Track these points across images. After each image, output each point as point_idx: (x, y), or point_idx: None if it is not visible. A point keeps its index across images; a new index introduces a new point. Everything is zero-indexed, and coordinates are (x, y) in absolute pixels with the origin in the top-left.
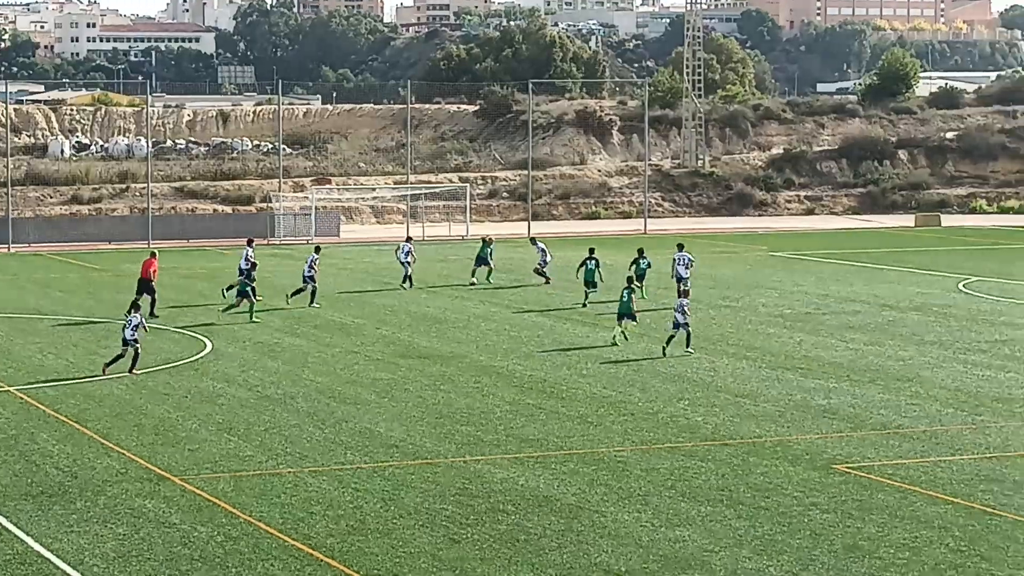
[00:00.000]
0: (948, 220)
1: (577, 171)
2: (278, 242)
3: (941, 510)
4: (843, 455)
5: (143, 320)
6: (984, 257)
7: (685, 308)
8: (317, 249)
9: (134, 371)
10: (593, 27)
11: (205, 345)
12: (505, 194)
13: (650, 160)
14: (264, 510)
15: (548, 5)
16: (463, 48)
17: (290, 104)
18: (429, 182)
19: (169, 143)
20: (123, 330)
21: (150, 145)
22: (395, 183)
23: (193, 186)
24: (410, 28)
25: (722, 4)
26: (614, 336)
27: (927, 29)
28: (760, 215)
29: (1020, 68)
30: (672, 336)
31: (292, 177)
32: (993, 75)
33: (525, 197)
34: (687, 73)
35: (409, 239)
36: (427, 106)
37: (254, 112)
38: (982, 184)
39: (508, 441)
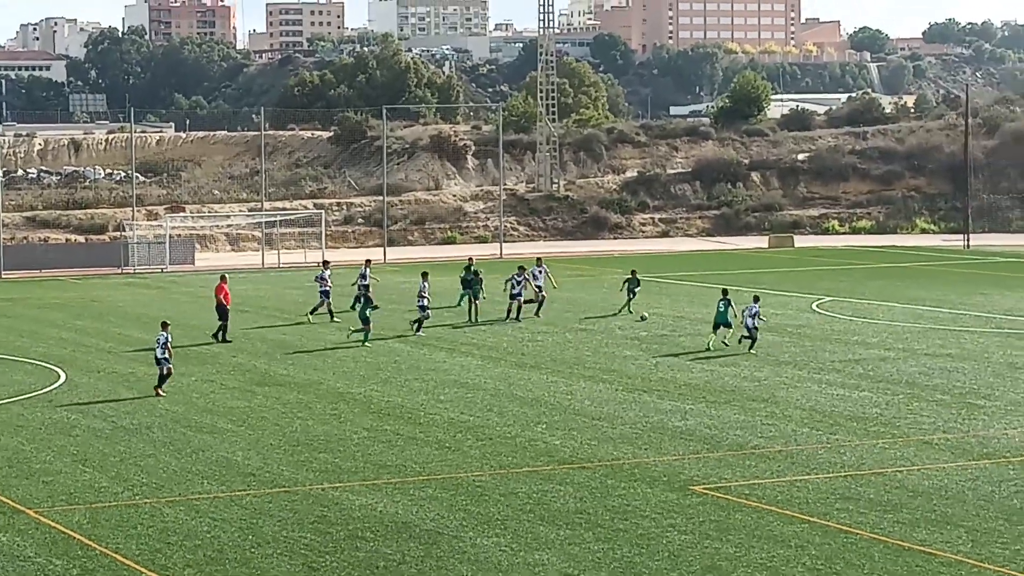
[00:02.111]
0: (801, 241)
1: (432, 196)
2: (132, 271)
3: (798, 529)
4: (700, 476)
5: (169, 339)
6: (837, 277)
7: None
8: (326, 264)
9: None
10: (447, 52)
11: (59, 376)
12: (360, 220)
13: (505, 184)
14: (121, 542)
15: (402, 31)
16: (317, 74)
17: (143, 132)
18: (284, 209)
19: (20, 172)
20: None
21: (1, 175)
22: (249, 210)
23: (45, 215)
24: (263, 55)
25: (575, 28)
26: (709, 343)
27: (778, 52)
28: (615, 238)
29: (870, 90)
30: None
31: (146, 205)
32: (843, 97)
33: (380, 223)
34: (541, 97)
35: (326, 263)
36: (281, 133)
37: (106, 140)
38: (834, 205)
39: (366, 468)
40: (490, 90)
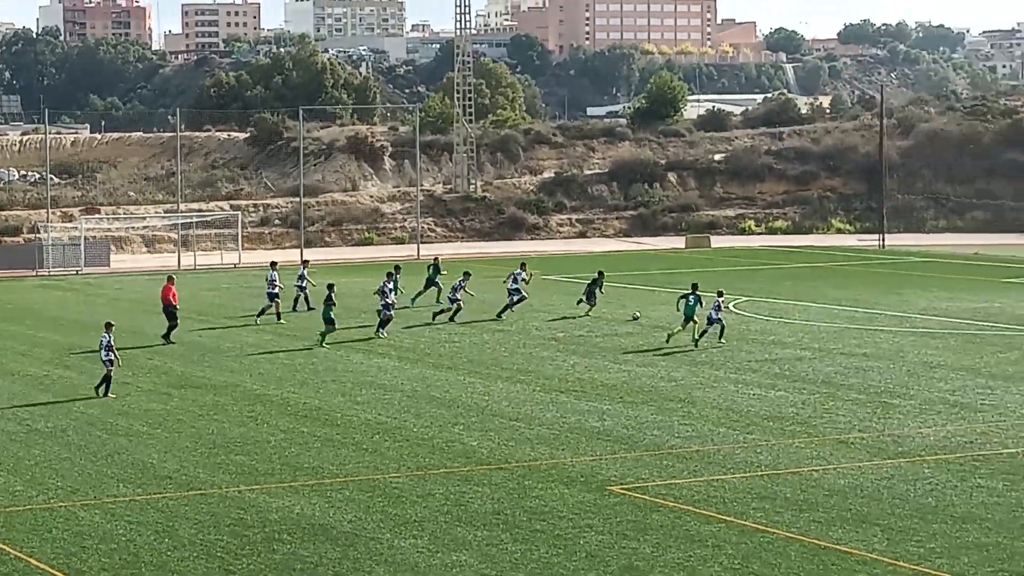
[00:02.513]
0: (718, 241)
1: (349, 197)
2: (47, 273)
3: (715, 529)
4: (617, 476)
5: (112, 341)
6: (753, 277)
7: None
8: (273, 265)
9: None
10: (363, 53)
11: None
12: (277, 221)
13: (422, 185)
14: (35, 545)
15: (318, 32)
16: (233, 75)
17: (58, 133)
18: (200, 210)
19: None
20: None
21: None
22: (165, 212)
23: None
24: (179, 56)
25: (492, 29)
26: (672, 333)
27: (694, 53)
28: (532, 239)
29: (785, 91)
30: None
31: (60, 207)
32: (759, 97)
33: (297, 224)
34: (458, 98)
35: (273, 264)
36: (197, 134)
37: (21, 142)
38: (750, 205)
39: (283, 470)
40: (407, 91)
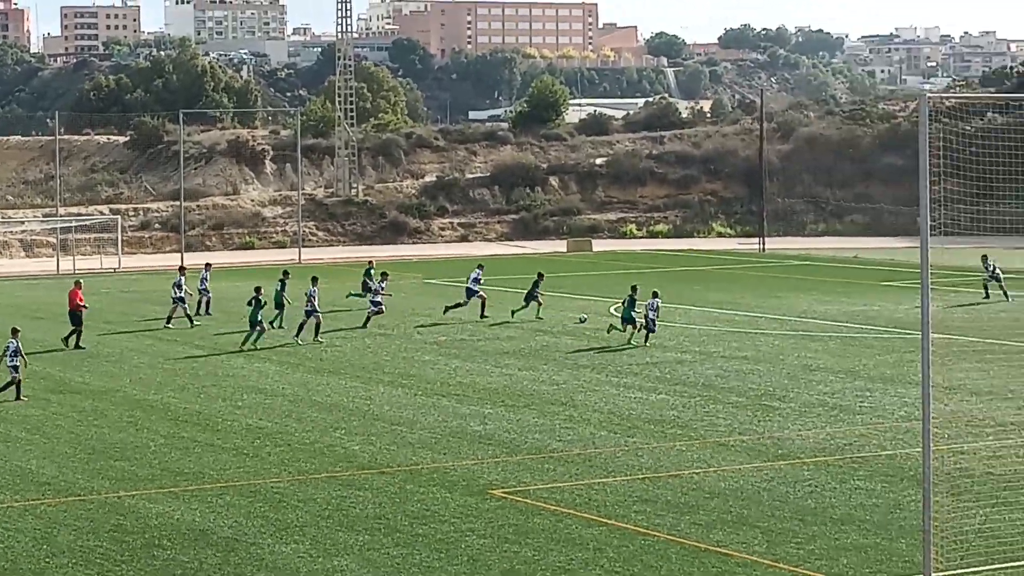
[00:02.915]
0: (599, 245)
1: (230, 201)
2: None
3: (596, 532)
4: (499, 480)
5: (20, 346)
6: (635, 281)
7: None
8: (182, 270)
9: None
10: (244, 56)
11: None
12: (157, 225)
13: (304, 189)
14: None
15: (199, 35)
16: (113, 78)
17: None
18: (79, 214)
19: None
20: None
21: None
22: (44, 216)
23: None
24: (58, 58)
25: (374, 33)
26: (629, 338)
27: (576, 57)
28: (414, 243)
29: (667, 95)
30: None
31: None
32: (641, 102)
33: (178, 228)
34: (339, 102)
35: (182, 269)
36: (76, 137)
37: None
38: (631, 209)
39: (163, 475)
40: (288, 94)
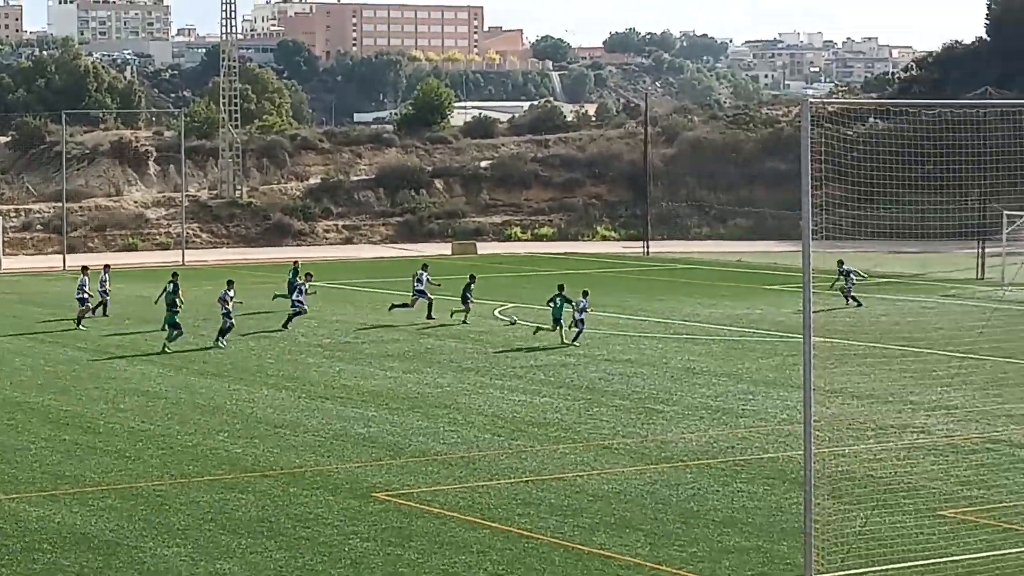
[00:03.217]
0: (484, 248)
1: (113, 202)
2: None
3: (479, 535)
4: (383, 483)
5: None
6: (519, 284)
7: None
8: (85, 270)
9: None
10: (128, 57)
11: None
12: (39, 227)
13: (187, 191)
14: None
15: (82, 35)
16: None
17: None
18: None
19: None
20: None
21: None
22: None
23: None
24: None
25: (259, 34)
26: (562, 338)
27: (461, 59)
28: (299, 245)
29: (552, 98)
30: None
31: None
32: (526, 105)
33: (60, 229)
34: (224, 103)
35: (85, 268)
36: None
37: None
38: (516, 212)
39: (43, 478)
40: (172, 95)
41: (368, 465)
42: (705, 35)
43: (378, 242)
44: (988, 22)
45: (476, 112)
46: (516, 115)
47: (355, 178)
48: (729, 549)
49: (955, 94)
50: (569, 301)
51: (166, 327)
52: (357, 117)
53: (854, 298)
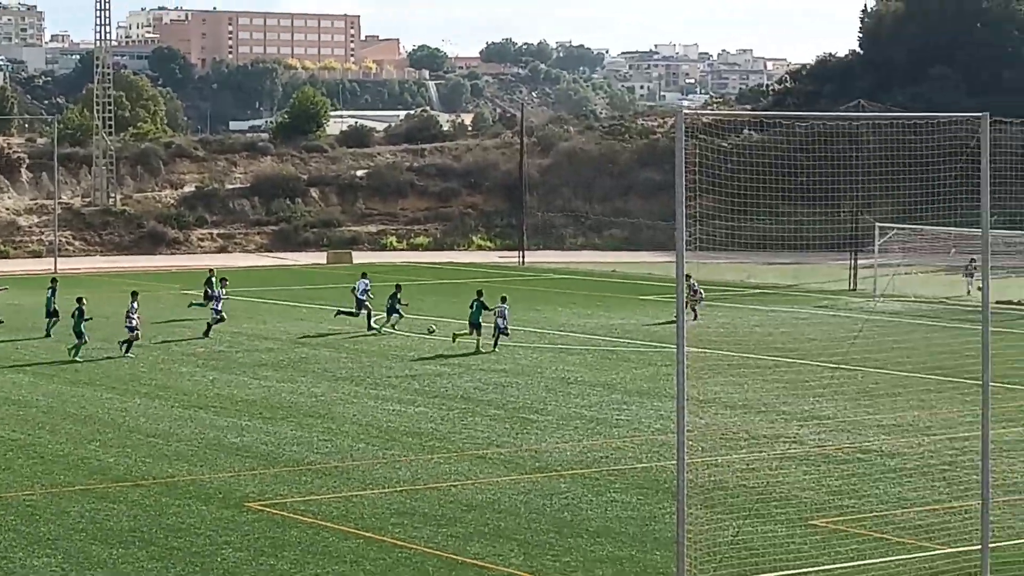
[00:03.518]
0: (359, 257)
1: None
2: None
3: (353, 544)
4: (256, 492)
5: None
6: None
7: None
8: (134, 295)
9: None
10: (1, 63)
11: None
12: None
13: (60, 198)
14: None
15: None
16: None
17: None
18: None
19: None
20: None
21: None
22: None
23: None
24: None
25: (134, 41)
26: (478, 345)
27: (338, 68)
28: (173, 253)
29: (428, 107)
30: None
31: None
32: (402, 114)
33: None
34: (97, 110)
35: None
36: None
37: None
38: (392, 221)
39: None
40: (46, 102)
41: (241, 475)
42: (581, 45)
43: (253, 251)
44: (861, 35)
45: (352, 121)
46: (392, 124)
47: (230, 186)
48: (603, 559)
49: (829, 106)
50: (487, 307)
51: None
52: (233, 125)
53: (694, 312)
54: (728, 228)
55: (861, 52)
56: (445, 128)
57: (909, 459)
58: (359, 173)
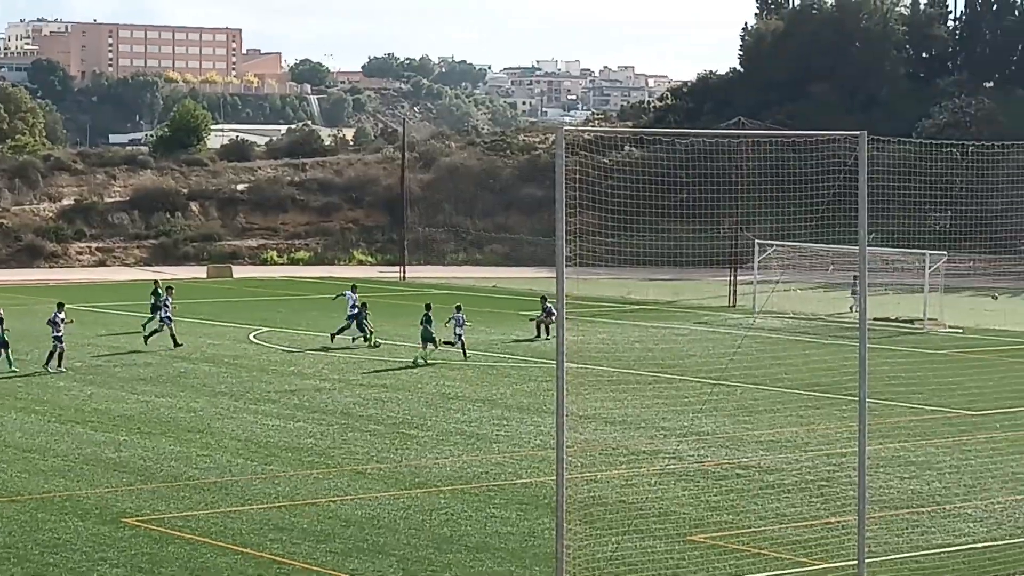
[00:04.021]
0: (240, 271)
1: None
2: None
3: (231, 560)
4: (133, 508)
5: None
6: (275, 308)
7: None
8: (60, 306)
9: None
10: None
11: None
12: None
13: None
14: None
15: None
16: None
17: None
18: None
19: None
20: None
21: None
22: None
23: None
24: None
25: (12, 53)
26: (415, 358)
27: (219, 82)
28: (51, 267)
29: (310, 122)
30: None
31: None
32: (283, 128)
33: None
34: None
35: None
36: None
37: None
38: (273, 236)
39: None
40: None
41: (118, 490)
42: (464, 61)
43: (132, 264)
44: (742, 53)
45: (233, 135)
46: (274, 138)
47: (109, 200)
48: (482, 574)
49: (709, 124)
50: (431, 321)
51: None
52: (112, 138)
53: (547, 330)
54: (609, 244)
55: (741, 70)
56: (327, 143)
57: (787, 475)
58: (240, 187)
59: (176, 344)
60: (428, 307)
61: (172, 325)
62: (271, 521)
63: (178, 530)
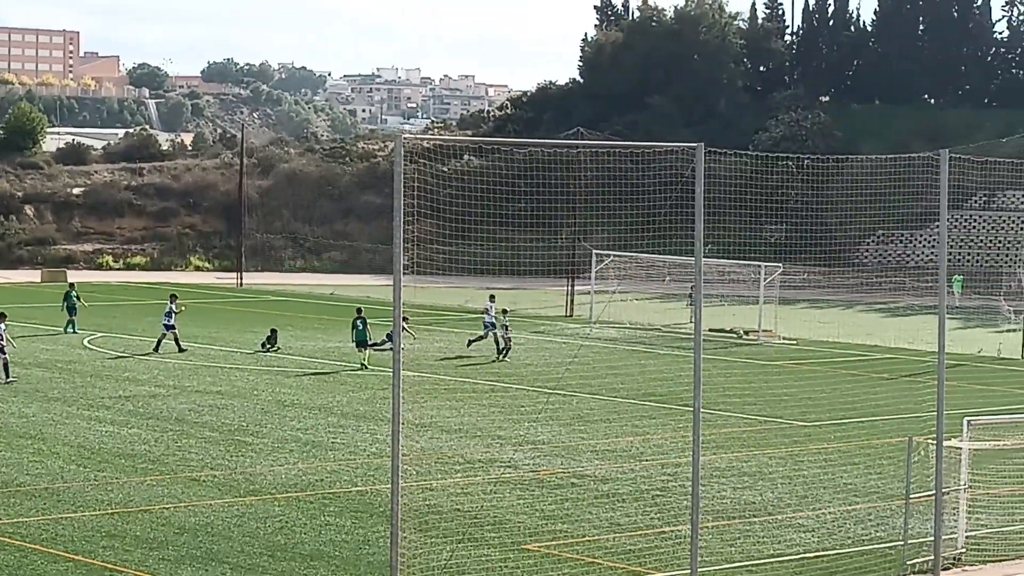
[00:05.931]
0: (75, 276)
1: None
2: None
3: (61, 568)
4: None
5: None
6: (110, 313)
7: None
8: (2, 316)
9: None
10: None
11: None
12: None
13: None
14: None
15: None
16: None
17: None
18: None
19: None
20: None
21: None
22: None
23: None
24: None
25: None
26: (362, 360)
27: (56, 84)
28: None
29: (148, 126)
30: None
31: None
32: (121, 132)
33: None
34: None
35: None
36: None
37: None
38: (109, 240)
39: None
40: None
41: None
42: (304, 67)
43: None
44: (581, 64)
45: (70, 138)
46: (111, 142)
47: None
48: None
49: (549, 133)
50: (366, 323)
51: None
52: None
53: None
54: (447, 252)
55: (581, 81)
56: (164, 147)
57: (622, 484)
58: (75, 191)
59: (180, 349)
60: (359, 311)
61: (176, 332)
62: (103, 528)
63: (8, 537)
